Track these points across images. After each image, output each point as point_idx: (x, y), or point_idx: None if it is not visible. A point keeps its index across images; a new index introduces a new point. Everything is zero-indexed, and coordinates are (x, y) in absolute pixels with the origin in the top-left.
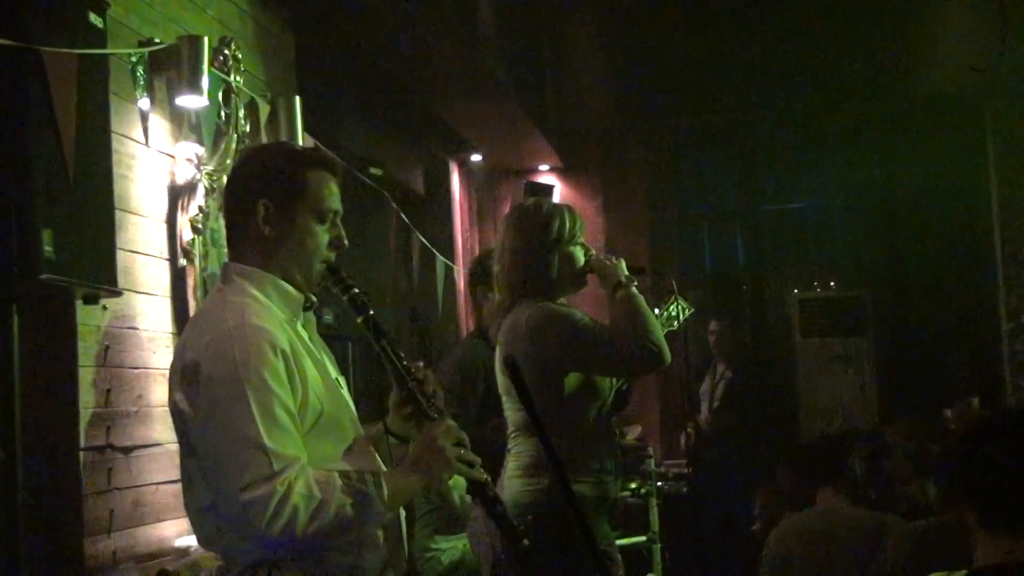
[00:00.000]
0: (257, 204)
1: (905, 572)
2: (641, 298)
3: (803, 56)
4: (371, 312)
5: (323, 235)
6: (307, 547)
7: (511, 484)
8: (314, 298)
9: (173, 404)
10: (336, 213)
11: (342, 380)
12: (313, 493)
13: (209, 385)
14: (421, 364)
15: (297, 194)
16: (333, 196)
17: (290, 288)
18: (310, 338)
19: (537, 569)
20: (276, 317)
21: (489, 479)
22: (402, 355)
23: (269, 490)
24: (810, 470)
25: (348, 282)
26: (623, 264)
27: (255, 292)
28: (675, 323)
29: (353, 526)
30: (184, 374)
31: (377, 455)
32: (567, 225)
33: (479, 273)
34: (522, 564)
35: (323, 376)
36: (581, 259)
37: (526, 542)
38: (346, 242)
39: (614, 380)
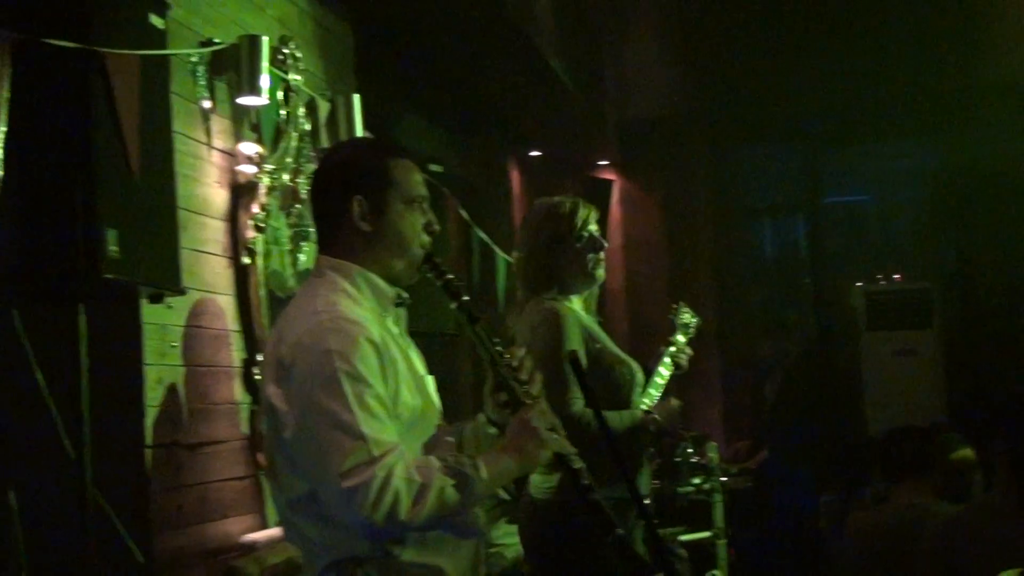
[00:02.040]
0: (351, 201)
1: (942, 559)
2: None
3: (868, 45)
4: (466, 298)
5: (417, 220)
6: (411, 530)
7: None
8: (405, 294)
9: (266, 397)
10: (424, 199)
11: (430, 379)
12: (413, 477)
13: (304, 376)
14: (518, 350)
15: (387, 185)
16: (419, 183)
17: (381, 282)
18: (400, 334)
19: (602, 559)
20: (367, 310)
21: (584, 467)
22: (496, 341)
23: (370, 475)
24: (890, 464)
25: (443, 268)
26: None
27: (347, 286)
28: (689, 329)
29: (455, 508)
30: (278, 367)
31: (465, 448)
32: (576, 220)
33: None
34: (616, 553)
35: (412, 372)
36: (592, 253)
37: (620, 531)
38: (437, 227)
39: (635, 378)
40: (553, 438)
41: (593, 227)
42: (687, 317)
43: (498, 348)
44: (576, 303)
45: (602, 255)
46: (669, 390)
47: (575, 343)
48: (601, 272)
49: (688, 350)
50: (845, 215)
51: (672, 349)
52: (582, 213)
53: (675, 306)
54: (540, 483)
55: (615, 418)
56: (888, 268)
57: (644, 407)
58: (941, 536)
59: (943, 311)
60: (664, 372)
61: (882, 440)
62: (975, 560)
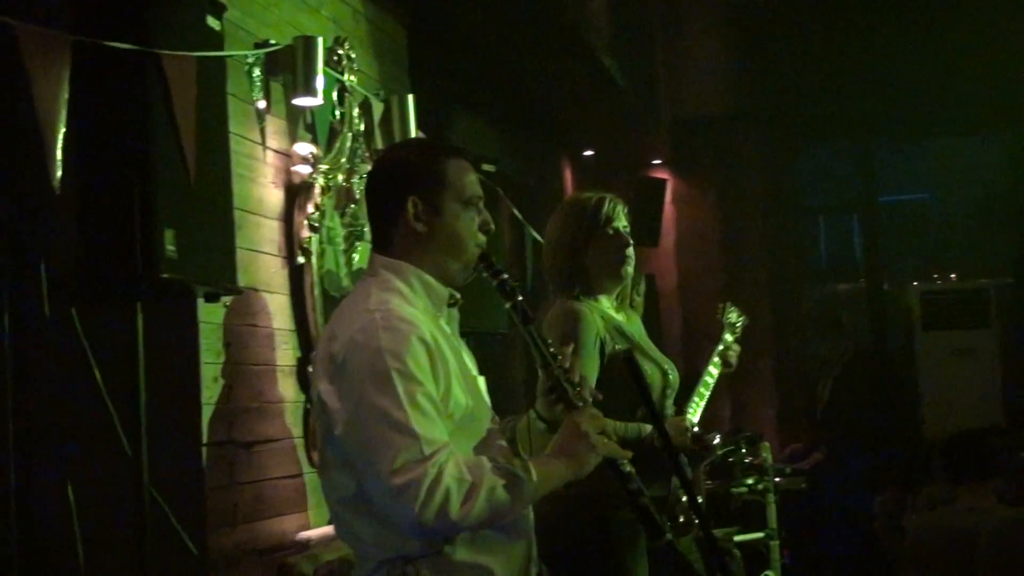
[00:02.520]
0: (406, 202)
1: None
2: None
3: (925, 41)
4: (520, 298)
5: (472, 221)
6: (461, 530)
7: None
8: (458, 295)
9: (318, 394)
10: (480, 198)
11: (481, 379)
12: (464, 476)
13: (356, 373)
14: (569, 350)
15: (442, 185)
16: (474, 183)
17: (434, 282)
18: (452, 334)
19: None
20: (420, 310)
21: (634, 471)
22: (549, 341)
23: (421, 473)
24: (952, 467)
25: (498, 267)
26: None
27: (401, 285)
28: (736, 329)
29: (505, 509)
30: (330, 364)
31: (519, 447)
32: (600, 215)
33: None
34: (665, 557)
35: (463, 372)
36: (616, 250)
37: (669, 536)
38: (492, 226)
39: (667, 381)
40: (603, 442)
41: (620, 223)
42: (734, 317)
43: (551, 349)
44: (605, 302)
45: (630, 252)
46: (720, 391)
47: (587, 343)
48: (629, 270)
49: (736, 347)
50: (901, 214)
51: (720, 348)
52: (607, 208)
53: (722, 306)
54: None
55: (619, 430)
56: (945, 267)
57: (692, 409)
58: (1000, 536)
59: (1001, 310)
60: (713, 371)
61: (943, 443)
62: None
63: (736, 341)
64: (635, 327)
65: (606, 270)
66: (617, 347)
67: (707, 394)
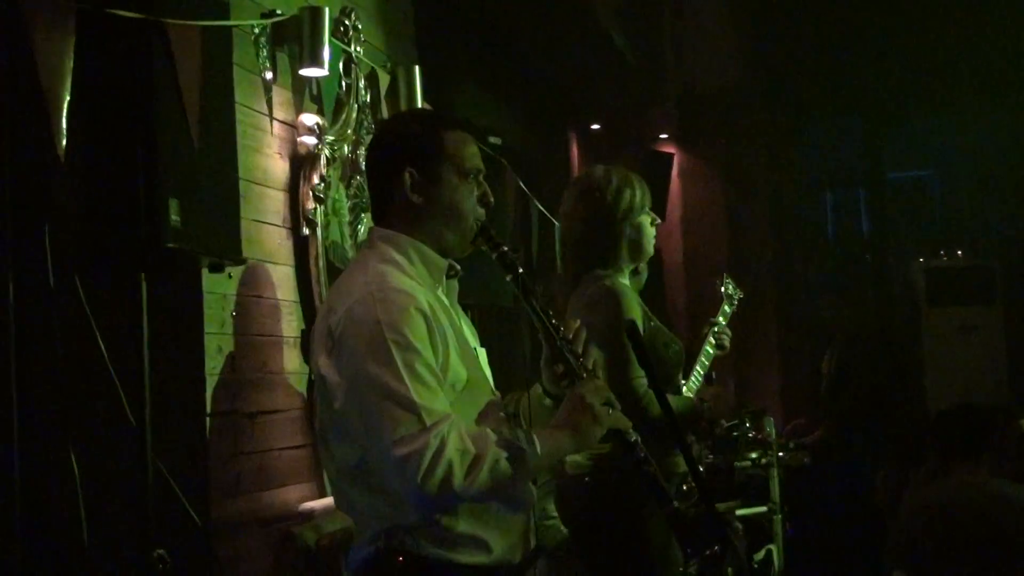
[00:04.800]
0: (403, 173)
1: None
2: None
3: (933, 15)
4: (521, 271)
5: (471, 193)
6: (463, 502)
7: None
8: (458, 266)
9: (316, 367)
10: (480, 171)
11: (481, 351)
12: (467, 447)
13: (354, 346)
14: (572, 322)
15: (439, 157)
16: (474, 155)
17: (432, 254)
18: (451, 306)
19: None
20: (418, 281)
21: (639, 439)
22: (551, 313)
23: (423, 444)
24: (950, 442)
25: (498, 240)
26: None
27: (398, 257)
28: (734, 301)
29: (508, 481)
30: (328, 338)
31: (523, 421)
32: (638, 195)
33: None
34: (671, 526)
35: (462, 344)
36: (650, 231)
37: (676, 504)
38: (492, 199)
39: (681, 358)
40: (608, 414)
41: (638, 199)
42: (731, 288)
43: (553, 321)
44: (625, 278)
45: (654, 230)
46: (724, 366)
47: (636, 319)
48: (649, 247)
49: (728, 331)
50: (907, 189)
51: (719, 319)
52: (642, 188)
53: (720, 278)
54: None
55: (674, 402)
56: (950, 244)
57: (690, 386)
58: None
59: (1006, 287)
60: (709, 351)
61: (937, 419)
62: None
63: (732, 315)
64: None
65: (638, 246)
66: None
67: (703, 374)
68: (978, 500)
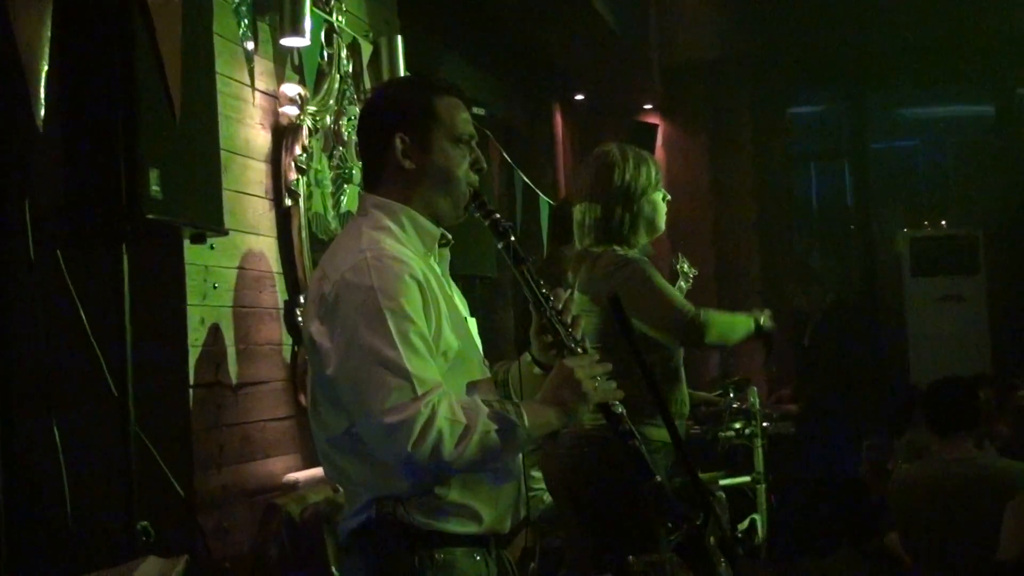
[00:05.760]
0: (393, 138)
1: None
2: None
3: None
4: (512, 238)
5: (463, 159)
6: (452, 472)
7: None
8: (449, 235)
9: (309, 334)
10: (472, 137)
11: (472, 321)
12: (457, 417)
13: (347, 313)
14: (563, 291)
15: (431, 122)
16: (466, 120)
17: (425, 221)
18: (442, 275)
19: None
20: (411, 249)
21: (624, 412)
22: (541, 282)
23: (413, 412)
24: (941, 416)
25: (490, 207)
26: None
27: (391, 224)
28: (689, 279)
29: (497, 453)
30: (321, 303)
31: (512, 391)
32: (653, 172)
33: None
34: (654, 498)
35: (453, 313)
36: (662, 207)
37: (658, 478)
38: (484, 165)
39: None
40: (595, 389)
41: (653, 176)
42: (686, 267)
43: (543, 290)
44: (639, 254)
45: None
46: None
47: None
48: (662, 223)
49: None
50: (891, 160)
51: None
52: (642, 168)
53: (675, 257)
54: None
55: (739, 322)
56: (935, 214)
57: None
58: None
59: (990, 257)
60: None
61: (926, 392)
62: None
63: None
64: None
65: (652, 223)
66: None
67: None
68: (970, 474)
